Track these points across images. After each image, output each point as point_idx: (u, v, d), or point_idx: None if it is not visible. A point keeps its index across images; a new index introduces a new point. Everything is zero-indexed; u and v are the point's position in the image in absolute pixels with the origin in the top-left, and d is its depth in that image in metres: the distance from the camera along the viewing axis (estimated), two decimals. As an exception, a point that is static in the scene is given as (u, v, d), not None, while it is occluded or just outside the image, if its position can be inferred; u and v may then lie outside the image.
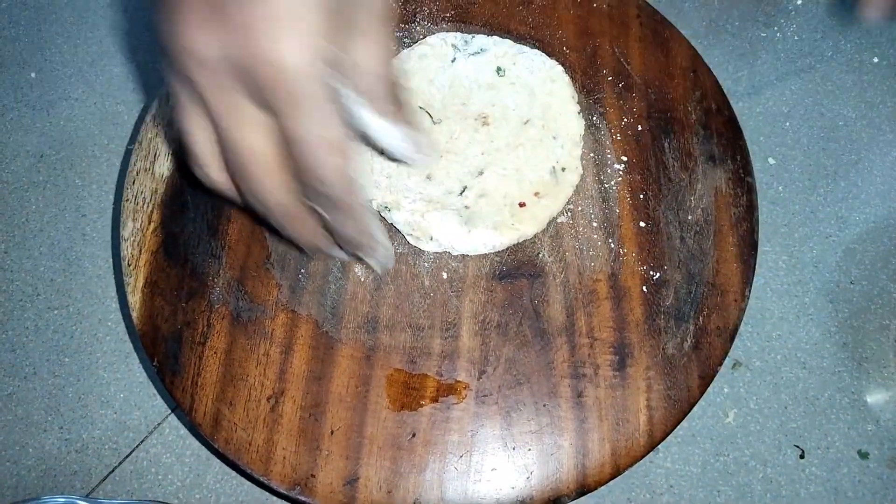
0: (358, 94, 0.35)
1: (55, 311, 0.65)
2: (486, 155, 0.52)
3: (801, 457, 0.57)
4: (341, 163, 0.35)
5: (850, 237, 0.64)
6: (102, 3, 0.82)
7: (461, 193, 0.51)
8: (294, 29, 0.32)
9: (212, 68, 0.33)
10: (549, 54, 0.57)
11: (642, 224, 0.51)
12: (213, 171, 0.37)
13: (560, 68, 0.55)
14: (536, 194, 0.50)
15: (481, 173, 0.51)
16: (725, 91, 0.57)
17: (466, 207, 0.50)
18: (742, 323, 0.60)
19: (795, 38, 0.69)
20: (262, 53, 0.32)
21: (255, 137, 0.35)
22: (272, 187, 0.36)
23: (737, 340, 0.56)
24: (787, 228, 0.65)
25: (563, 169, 0.51)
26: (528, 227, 0.50)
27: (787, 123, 0.66)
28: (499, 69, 0.54)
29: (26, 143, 0.74)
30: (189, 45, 0.34)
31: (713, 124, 0.55)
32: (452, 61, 0.55)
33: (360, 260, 0.42)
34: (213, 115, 0.35)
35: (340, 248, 0.40)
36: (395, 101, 0.36)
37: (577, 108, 0.53)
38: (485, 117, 0.53)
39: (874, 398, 0.60)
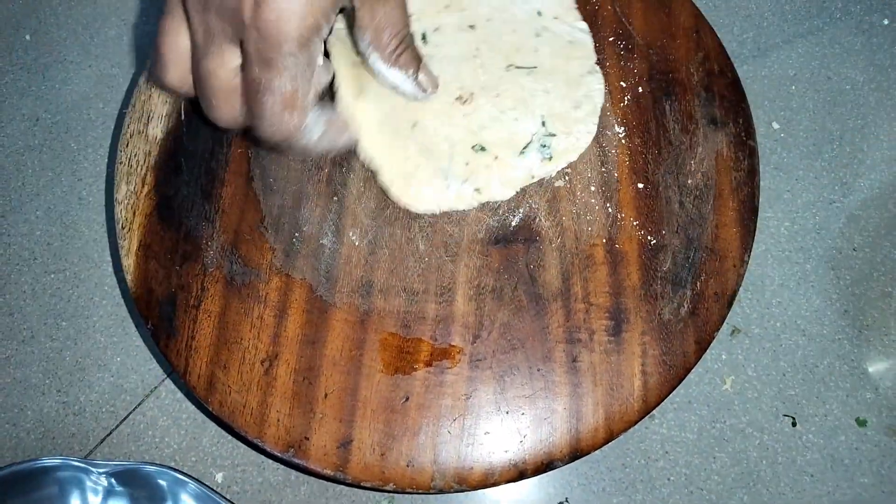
0: (373, 46, 0.43)
1: (52, 275, 0.65)
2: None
3: (794, 425, 0.57)
4: (292, 121, 0.39)
5: (854, 203, 0.63)
6: (97, -36, 0.80)
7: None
8: None
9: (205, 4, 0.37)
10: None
11: (641, 186, 0.50)
12: (169, 74, 0.41)
13: None
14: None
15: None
16: (730, 53, 0.56)
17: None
18: (742, 290, 0.60)
19: (803, -1, 0.67)
20: (264, 14, 0.35)
21: (223, 72, 0.39)
22: (224, 111, 0.41)
23: (736, 307, 0.56)
24: (790, 194, 0.64)
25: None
26: None
27: (793, 87, 0.65)
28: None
29: (21, 106, 0.74)
30: None
31: (715, 86, 0.54)
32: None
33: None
34: (193, 37, 0.39)
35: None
36: (404, 53, 0.44)
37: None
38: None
39: (874, 366, 0.59)
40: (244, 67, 0.38)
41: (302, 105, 0.39)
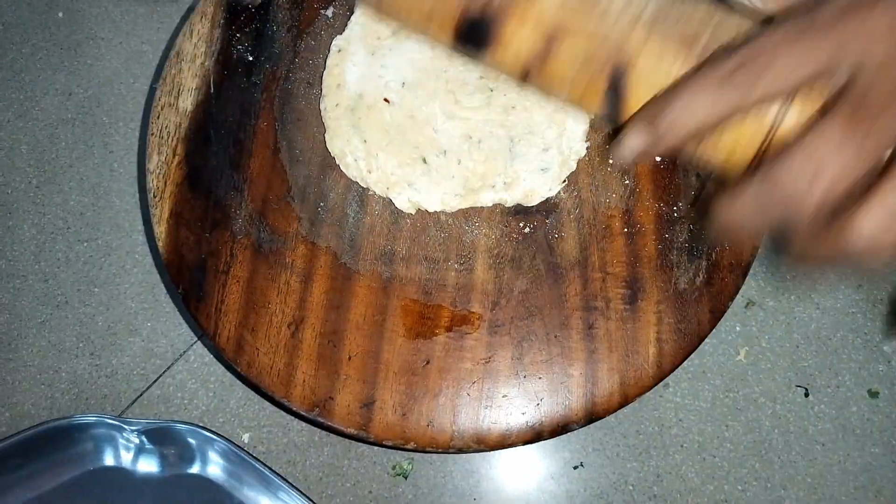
0: None
1: (85, 244, 0.68)
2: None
3: (806, 395, 0.58)
4: None
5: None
6: (126, -58, 0.82)
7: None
8: None
9: None
10: None
11: (657, 160, 0.51)
12: None
13: None
14: None
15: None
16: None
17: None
18: (756, 263, 0.60)
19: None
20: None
21: None
22: None
23: (751, 281, 0.57)
24: (808, 170, 0.64)
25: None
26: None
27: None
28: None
29: (55, 81, 0.76)
30: None
31: (734, 62, 0.54)
32: None
33: None
34: None
35: None
36: None
37: None
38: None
39: (887, 339, 0.60)
40: None
41: None
